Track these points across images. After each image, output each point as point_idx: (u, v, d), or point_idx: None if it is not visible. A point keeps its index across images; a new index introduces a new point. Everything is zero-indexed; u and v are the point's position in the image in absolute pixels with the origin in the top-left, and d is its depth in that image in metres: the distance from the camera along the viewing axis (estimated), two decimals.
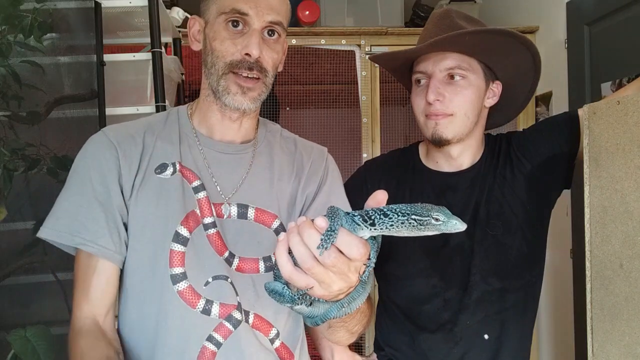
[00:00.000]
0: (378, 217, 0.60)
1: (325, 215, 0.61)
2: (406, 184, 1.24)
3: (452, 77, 1.13)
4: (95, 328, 0.87)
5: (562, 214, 1.83)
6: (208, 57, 0.93)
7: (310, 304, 0.67)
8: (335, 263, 0.60)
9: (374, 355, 1.31)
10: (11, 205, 1.18)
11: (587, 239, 0.93)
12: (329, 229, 0.59)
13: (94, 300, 0.88)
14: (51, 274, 1.25)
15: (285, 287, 0.68)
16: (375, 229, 0.60)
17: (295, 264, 0.62)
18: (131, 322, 0.90)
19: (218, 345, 0.87)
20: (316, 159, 1.03)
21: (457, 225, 0.59)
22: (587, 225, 0.93)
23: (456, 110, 1.13)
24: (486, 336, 1.16)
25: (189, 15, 1.80)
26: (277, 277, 0.68)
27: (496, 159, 1.21)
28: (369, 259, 0.64)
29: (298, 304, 0.67)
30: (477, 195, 1.19)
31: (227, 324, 0.88)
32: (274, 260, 0.67)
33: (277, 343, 0.93)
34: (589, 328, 0.92)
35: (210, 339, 0.87)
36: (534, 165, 1.16)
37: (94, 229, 0.86)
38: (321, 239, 0.59)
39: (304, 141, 1.07)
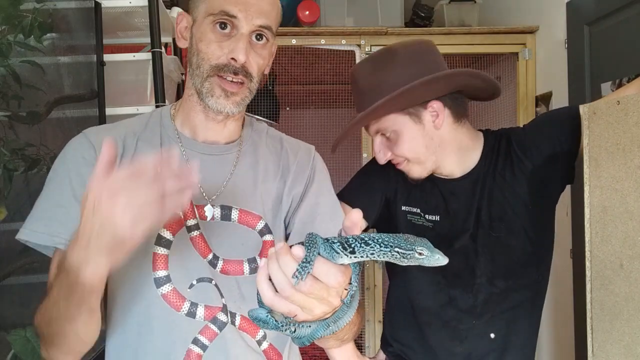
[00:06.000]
0: (358, 245, 0.60)
1: (303, 243, 0.61)
2: (417, 186, 1.25)
3: (384, 135, 1.18)
4: None
5: (562, 214, 1.83)
6: (193, 58, 0.91)
7: (295, 330, 0.66)
8: (313, 291, 0.60)
9: (381, 354, 1.32)
10: (11, 205, 1.18)
11: (587, 239, 0.93)
12: (305, 260, 0.59)
13: None
14: None
15: (269, 315, 0.67)
16: (355, 257, 0.60)
17: (277, 290, 0.61)
18: (116, 324, 0.90)
19: (204, 347, 0.87)
20: (302, 157, 1.01)
21: (440, 260, 0.59)
22: (587, 225, 0.93)
23: (405, 154, 1.17)
24: (492, 335, 1.16)
25: None
26: (261, 303, 0.66)
27: (495, 158, 1.19)
28: (350, 283, 0.64)
29: (283, 330, 0.66)
30: (479, 198, 1.18)
31: (213, 327, 0.87)
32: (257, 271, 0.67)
33: (264, 345, 0.93)
34: (589, 328, 0.92)
35: (195, 341, 0.86)
36: (535, 164, 1.15)
37: (73, 228, 0.84)
38: (297, 269, 0.59)
39: (291, 140, 1.05)
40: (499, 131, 1.25)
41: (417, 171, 1.18)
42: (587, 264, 0.93)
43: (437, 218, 1.20)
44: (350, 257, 0.60)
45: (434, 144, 1.16)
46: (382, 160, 1.19)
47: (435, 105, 1.16)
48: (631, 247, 0.83)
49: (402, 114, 1.15)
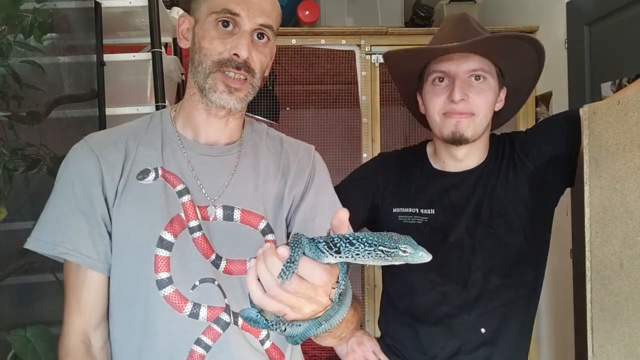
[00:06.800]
0: (343, 245, 0.60)
1: (289, 243, 0.62)
2: (413, 180, 1.26)
3: (476, 78, 1.15)
4: (84, 351, 0.87)
5: (562, 214, 1.83)
6: (196, 55, 0.92)
7: (285, 329, 0.67)
8: (298, 290, 0.60)
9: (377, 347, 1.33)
10: (11, 205, 1.18)
11: (587, 239, 0.93)
12: (289, 260, 0.60)
13: (85, 314, 0.88)
14: (51, 274, 1.25)
15: (259, 315, 0.68)
16: (340, 257, 0.61)
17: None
18: (119, 326, 0.90)
19: (207, 348, 0.87)
20: (302, 157, 1.02)
21: (424, 257, 0.60)
22: (587, 225, 0.93)
23: (478, 110, 1.15)
24: (483, 330, 1.17)
25: None
26: (252, 303, 0.67)
27: (500, 160, 1.22)
28: (337, 281, 0.64)
29: (274, 330, 0.67)
30: (480, 194, 1.20)
31: (216, 327, 0.88)
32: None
33: (267, 344, 0.93)
34: (589, 328, 0.92)
35: (198, 342, 0.87)
36: (537, 166, 1.17)
37: (76, 238, 0.86)
38: (282, 269, 0.59)
39: (291, 140, 1.06)
40: (502, 135, 1.28)
41: (470, 132, 1.16)
42: (587, 264, 0.93)
43: (433, 211, 1.22)
44: (336, 257, 0.61)
45: (489, 117, 1.19)
46: (459, 96, 1.14)
47: (504, 93, 1.23)
48: (631, 247, 0.83)
49: (495, 67, 1.18)
